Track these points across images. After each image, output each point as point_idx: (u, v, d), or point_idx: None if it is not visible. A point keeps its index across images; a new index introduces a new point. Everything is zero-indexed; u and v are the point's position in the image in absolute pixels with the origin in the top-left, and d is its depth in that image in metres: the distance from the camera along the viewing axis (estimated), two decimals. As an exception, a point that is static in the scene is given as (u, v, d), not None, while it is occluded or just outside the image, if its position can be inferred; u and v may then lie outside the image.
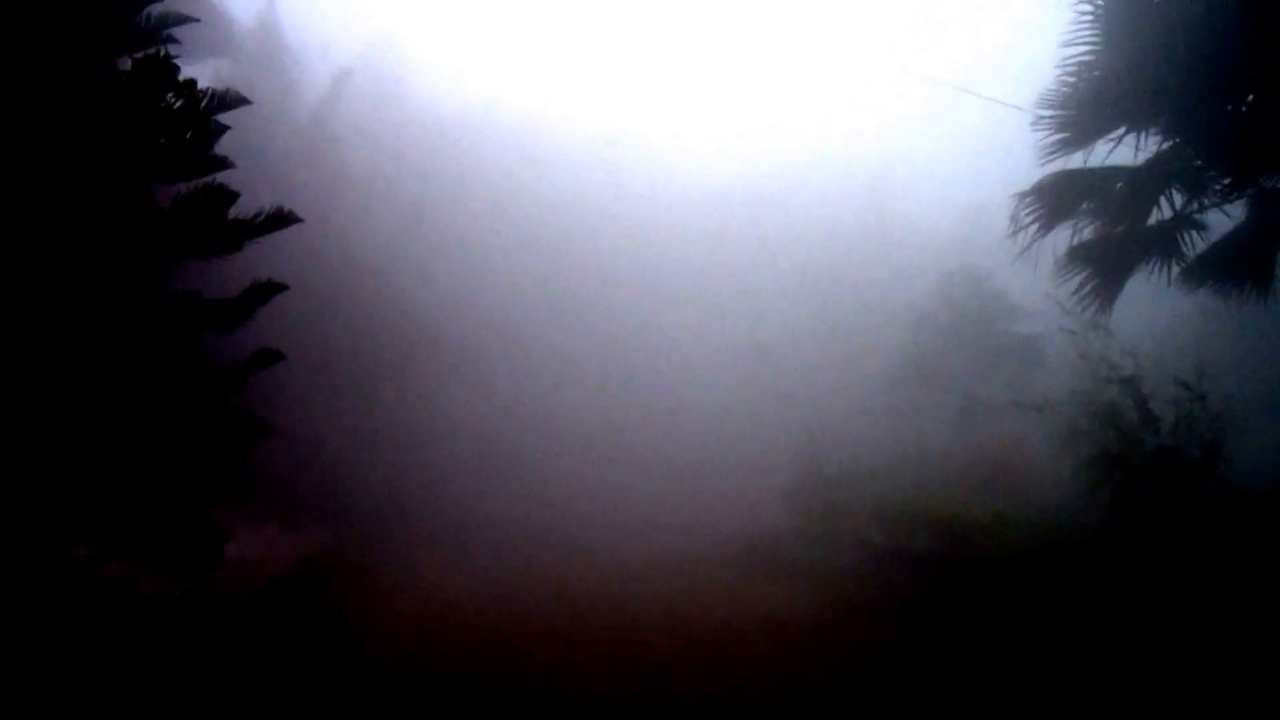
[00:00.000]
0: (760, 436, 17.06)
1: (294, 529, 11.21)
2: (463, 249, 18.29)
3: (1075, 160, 10.11)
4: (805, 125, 27.22)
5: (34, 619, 6.12)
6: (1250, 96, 9.25)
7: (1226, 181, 9.62)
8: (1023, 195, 10.29)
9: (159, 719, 5.54)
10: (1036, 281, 11.60)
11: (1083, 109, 9.73)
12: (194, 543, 6.92)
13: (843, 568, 10.28)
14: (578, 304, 19.52)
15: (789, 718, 5.87)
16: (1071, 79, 9.73)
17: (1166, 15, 9.09)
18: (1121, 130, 9.87)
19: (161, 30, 6.64)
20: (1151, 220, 10.05)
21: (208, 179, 6.93)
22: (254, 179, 8.44)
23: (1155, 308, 12.75)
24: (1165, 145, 9.80)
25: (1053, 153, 10.05)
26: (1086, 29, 9.58)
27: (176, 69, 6.44)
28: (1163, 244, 9.96)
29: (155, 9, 6.70)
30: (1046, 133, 9.98)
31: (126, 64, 6.35)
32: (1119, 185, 10.03)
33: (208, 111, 6.74)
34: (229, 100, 6.85)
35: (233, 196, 6.92)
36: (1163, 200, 9.93)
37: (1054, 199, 10.17)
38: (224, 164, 7.05)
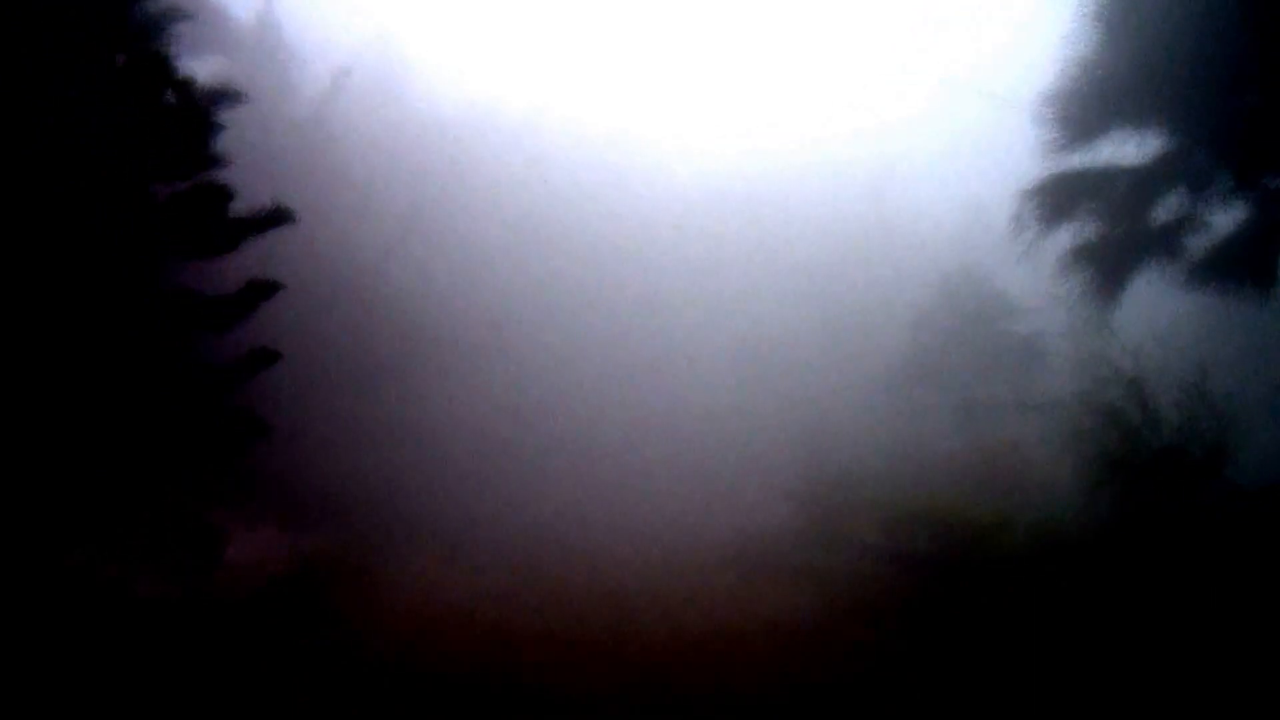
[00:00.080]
0: (761, 436, 17.04)
1: (293, 529, 11.16)
2: (462, 248, 18.25)
3: (1078, 159, 10.09)
4: (805, 125, 27.23)
5: (32, 621, 6.08)
6: (1253, 96, 9.21)
7: (1229, 181, 9.60)
8: (1025, 194, 10.26)
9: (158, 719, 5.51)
10: (1038, 281, 11.57)
11: (1085, 108, 9.70)
12: (192, 544, 6.88)
13: (844, 569, 10.25)
14: (577, 304, 19.48)
15: (790, 718, 5.84)
16: (1074, 78, 9.70)
17: (1169, 15, 9.06)
18: (1124, 129, 9.85)
19: (159, 27, 6.57)
20: (1154, 220, 10.03)
21: (205, 177, 6.86)
22: (252, 177, 8.38)
23: (1156, 308, 12.73)
24: (1168, 145, 9.78)
25: (1055, 152, 10.03)
26: (1088, 27, 9.57)
27: (173, 65, 6.38)
28: (1165, 243, 9.93)
29: (153, 5, 6.64)
30: (1048, 131, 9.95)
31: (124, 61, 6.29)
32: (1121, 184, 10.00)
33: (205, 108, 6.67)
34: (226, 97, 6.78)
35: (229, 194, 6.85)
36: (1165, 200, 9.92)
37: (1056, 198, 10.14)
38: (221, 161, 6.99)
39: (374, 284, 15.83)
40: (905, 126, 26.86)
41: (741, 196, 22.90)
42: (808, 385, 18.78)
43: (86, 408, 6.50)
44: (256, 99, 7.78)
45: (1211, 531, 8.50)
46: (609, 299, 19.87)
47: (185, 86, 6.51)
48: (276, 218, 7.25)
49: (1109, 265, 10.10)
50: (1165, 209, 9.98)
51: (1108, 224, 10.11)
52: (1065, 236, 10.35)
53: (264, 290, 7.25)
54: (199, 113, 6.70)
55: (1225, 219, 9.88)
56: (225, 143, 7.21)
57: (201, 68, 8.23)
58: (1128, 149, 9.97)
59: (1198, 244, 9.92)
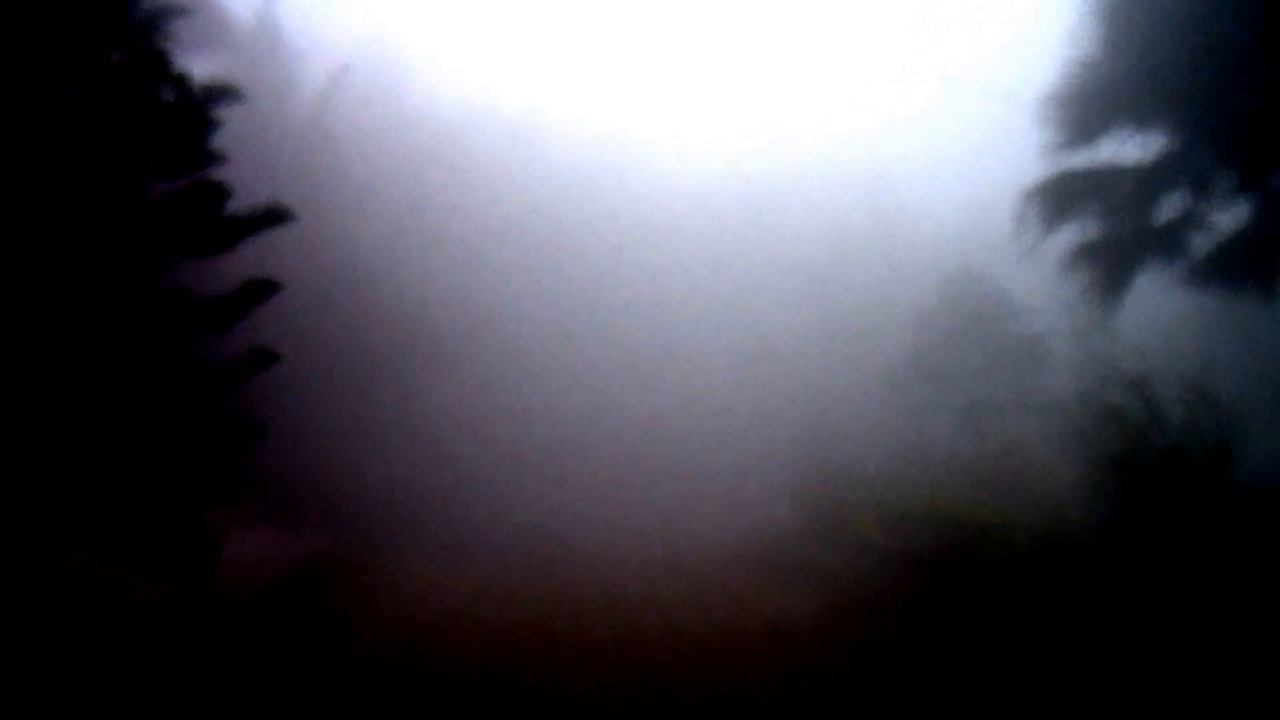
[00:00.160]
0: (761, 436, 17.02)
1: (292, 529, 11.14)
2: (461, 247, 18.22)
3: (1081, 159, 10.07)
4: (806, 124, 27.19)
5: (29, 623, 6.05)
6: (1257, 95, 9.18)
7: (1233, 181, 9.57)
8: (1028, 194, 10.24)
9: (154, 721, 5.50)
10: (1041, 281, 11.56)
11: (1087, 107, 9.68)
12: (190, 545, 6.85)
13: (844, 568, 10.22)
14: (577, 303, 19.46)
15: (790, 718, 5.82)
16: (1076, 76, 9.67)
17: (1172, 13, 9.03)
18: (1127, 128, 9.82)
19: (156, 24, 6.52)
20: (1157, 219, 10.00)
21: (202, 174, 6.81)
22: (251, 176, 8.35)
23: (1158, 308, 12.70)
24: (1171, 144, 9.75)
25: (1058, 151, 10.00)
26: (1091, 25, 9.54)
27: (169, 61, 6.32)
28: (1168, 243, 9.91)
29: (150, 2, 6.58)
30: (1052, 130, 9.92)
31: (120, 57, 6.24)
32: (1124, 184, 9.98)
33: (201, 105, 6.61)
34: (223, 94, 6.72)
35: (226, 192, 6.80)
36: (1169, 199, 9.89)
37: (1058, 197, 10.12)
38: (219, 159, 6.93)
39: (373, 283, 15.80)
40: (906, 126, 26.84)
41: (742, 196, 22.87)
42: (809, 385, 18.76)
43: (83, 407, 6.47)
44: (255, 97, 7.73)
45: (1214, 531, 8.48)
46: (609, 298, 19.85)
47: (182, 82, 6.45)
48: (274, 216, 7.19)
49: (1112, 265, 10.08)
50: (1168, 208, 9.96)
51: (1110, 223, 10.10)
52: (1068, 236, 10.33)
53: (262, 290, 7.20)
54: (196, 109, 6.64)
55: (1228, 218, 9.86)
56: (224, 141, 7.16)
57: (200, 66, 8.19)
58: (1130, 148, 9.96)
59: (1201, 243, 9.90)
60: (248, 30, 16.70)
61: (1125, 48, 9.38)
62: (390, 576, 9.64)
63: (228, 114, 7.14)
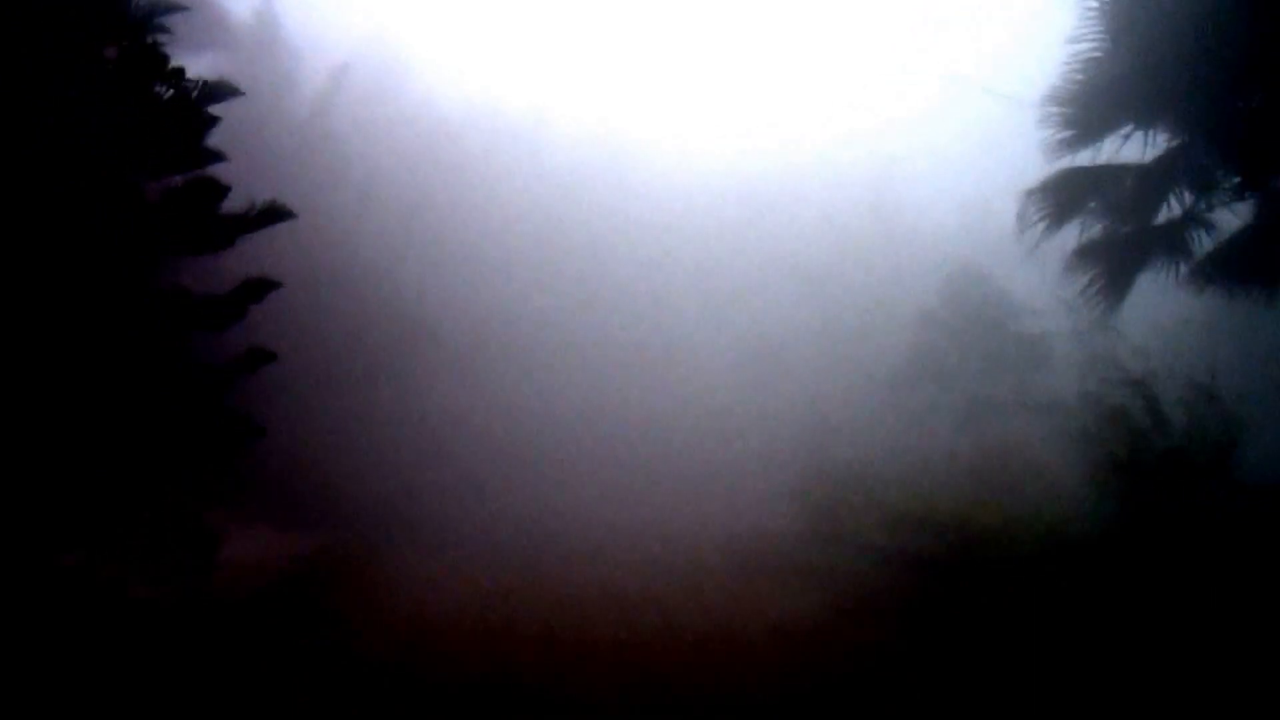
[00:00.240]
0: (763, 436, 16.99)
1: (292, 529, 11.12)
2: (461, 246, 18.20)
3: (1083, 157, 10.03)
4: (807, 124, 27.15)
5: (27, 625, 6.03)
6: (1261, 95, 9.14)
7: (1236, 180, 9.53)
8: (1030, 193, 10.19)
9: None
10: (1043, 280, 11.52)
11: (1090, 105, 9.64)
12: (189, 545, 6.82)
13: (846, 568, 10.19)
14: (578, 303, 19.44)
15: (791, 719, 5.79)
16: (1079, 75, 9.63)
17: (1175, 11, 8.99)
18: (1130, 127, 9.78)
19: (153, 19, 6.46)
20: (1160, 219, 9.96)
21: (199, 172, 6.76)
22: (250, 175, 8.31)
23: (1159, 308, 12.67)
24: (1174, 143, 9.71)
25: (1060, 150, 9.96)
26: (1094, 24, 9.49)
27: (165, 57, 6.25)
28: (1171, 243, 9.87)
29: None
30: (1053, 129, 9.88)
31: (115, 53, 6.18)
32: (1127, 183, 9.93)
33: (198, 102, 6.55)
34: (220, 91, 6.66)
35: (224, 190, 6.75)
36: (1171, 198, 9.85)
37: (1061, 196, 10.08)
38: (216, 156, 6.88)
39: (373, 282, 15.78)
40: (907, 124, 26.79)
41: (743, 195, 22.84)
42: (810, 385, 18.73)
43: (79, 407, 6.44)
44: (255, 95, 7.69)
45: (1217, 532, 8.45)
46: (609, 298, 19.82)
47: (178, 78, 6.39)
48: (273, 214, 7.14)
49: (1113, 264, 10.04)
50: (1171, 208, 9.91)
51: (1112, 223, 10.06)
52: (1069, 235, 10.30)
53: (260, 288, 7.16)
54: (192, 106, 6.58)
55: (1231, 218, 9.83)
56: (222, 140, 7.12)
57: (199, 64, 8.15)
58: (1133, 147, 9.92)
59: (1203, 243, 9.87)
60: (247, 28, 16.67)
61: (1127, 45, 9.33)
62: (390, 576, 9.62)
63: (227, 113, 7.09)
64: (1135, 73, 9.28)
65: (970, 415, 16.96)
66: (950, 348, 17.60)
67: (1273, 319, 10.34)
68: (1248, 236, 9.67)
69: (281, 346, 7.57)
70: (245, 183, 7.45)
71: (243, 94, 6.94)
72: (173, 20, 6.88)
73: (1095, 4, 9.35)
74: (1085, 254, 10.19)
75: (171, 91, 6.41)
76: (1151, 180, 9.82)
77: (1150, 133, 9.76)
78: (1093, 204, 10.11)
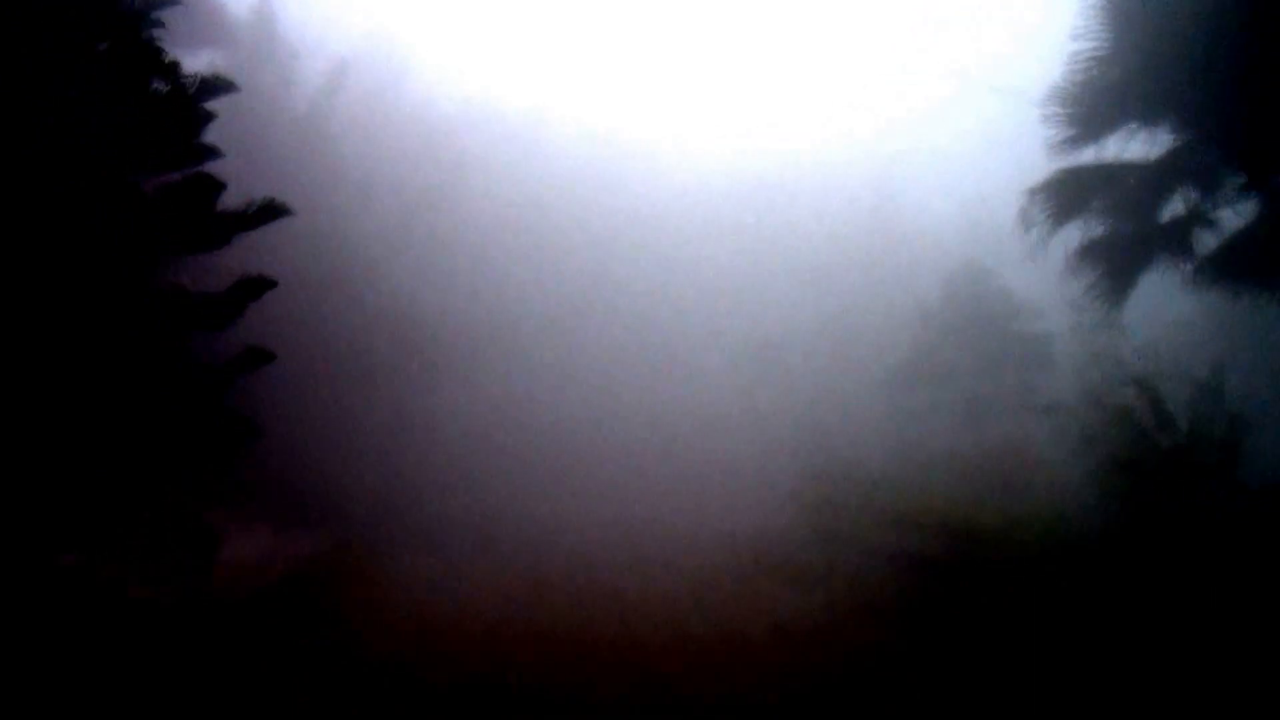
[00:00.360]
0: (764, 436, 16.95)
1: (292, 529, 11.09)
2: (460, 245, 18.14)
3: (1086, 156, 9.98)
4: (808, 124, 27.10)
5: (24, 627, 6.00)
6: (1264, 93, 9.08)
7: (1240, 179, 9.48)
8: (1032, 191, 10.14)
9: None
10: (1046, 279, 11.46)
11: (1093, 104, 9.58)
12: (187, 546, 6.78)
13: (847, 569, 10.16)
14: (578, 303, 19.39)
15: (792, 719, 5.77)
16: (1082, 73, 9.57)
17: (1179, 9, 8.93)
18: (1133, 126, 9.73)
19: (148, 14, 6.37)
20: (1163, 217, 9.91)
21: (195, 169, 6.68)
22: (248, 173, 8.26)
23: (1162, 307, 12.62)
24: (1178, 141, 9.66)
25: (1063, 148, 9.90)
26: (1097, 22, 9.44)
27: (160, 51, 6.16)
28: (1174, 241, 9.82)
29: None
30: (1056, 128, 9.83)
31: (108, 47, 6.08)
32: (1130, 181, 9.88)
33: (194, 97, 6.46)
34: (216, 85, 6.58)
35: (220, 186, 6.67)
36: (1175, 197, 9.80)
37: (1064, 195, 10.02)
38: (212, 153, 6.80)
39: (372, 281, 15.73)
40: (909, 123, 26.76)
41: (744, 194, 22.78)
42: (812, 384, 18.70)
43: (76, 406, 6.39)
44: (252, 93, 7.63)
45: (1219, 532, 8.42)
46: (609, 298, 19.78)
47: (173, 73, 6.29)
48: (270, 212, 7.07)
49: (1117, 263, 9.98)
50: (1174, 206, 9.87)
51: (1116, 221, 10.00)
52: (1073, 234, 10.24)
53: (257, 286, 7.09)
54: (188, 101, 6.50)
55: (1235, 216, 9.78)
56: (220, 138, 7.07)
57: (196, 61, 8.10)
58: (1136, 145, 9.87)
59: (1207, 242, 9.82)
60: (245, 26, 16.59)
61: (1132, 43, 9.27)
62: (390, 576, 9.59)
63: (224, 111, 7.03)
64: (1138, 71, 9.22)
65: (971, 415, 16.92)
66: (951, 347, 17.56)
67: (1277, 318, 10.30)
68: (1252, 235, 9.62)
69: (280, 346, 7.52)
70: (243, 181, 7.40)
71: (239, 89, 6.86)
72: (170, 18, 6.82)
73: (1098, 2, 9.29)
74: (1088, 253, 10.14)
75: (167, 86, 6.31)
76: (1155, 179, 9.77)
77: (1153, 131, 9.70)
78: (1095, 203, 10.06)
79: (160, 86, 6.29)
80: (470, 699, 5.94)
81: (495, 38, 34.18)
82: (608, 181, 20.95)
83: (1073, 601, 7.60)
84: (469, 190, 18.85)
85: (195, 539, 6.89)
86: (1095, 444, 10.08)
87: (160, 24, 6.45)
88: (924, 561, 10.01)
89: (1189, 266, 9.87)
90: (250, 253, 7.41)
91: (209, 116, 6.66)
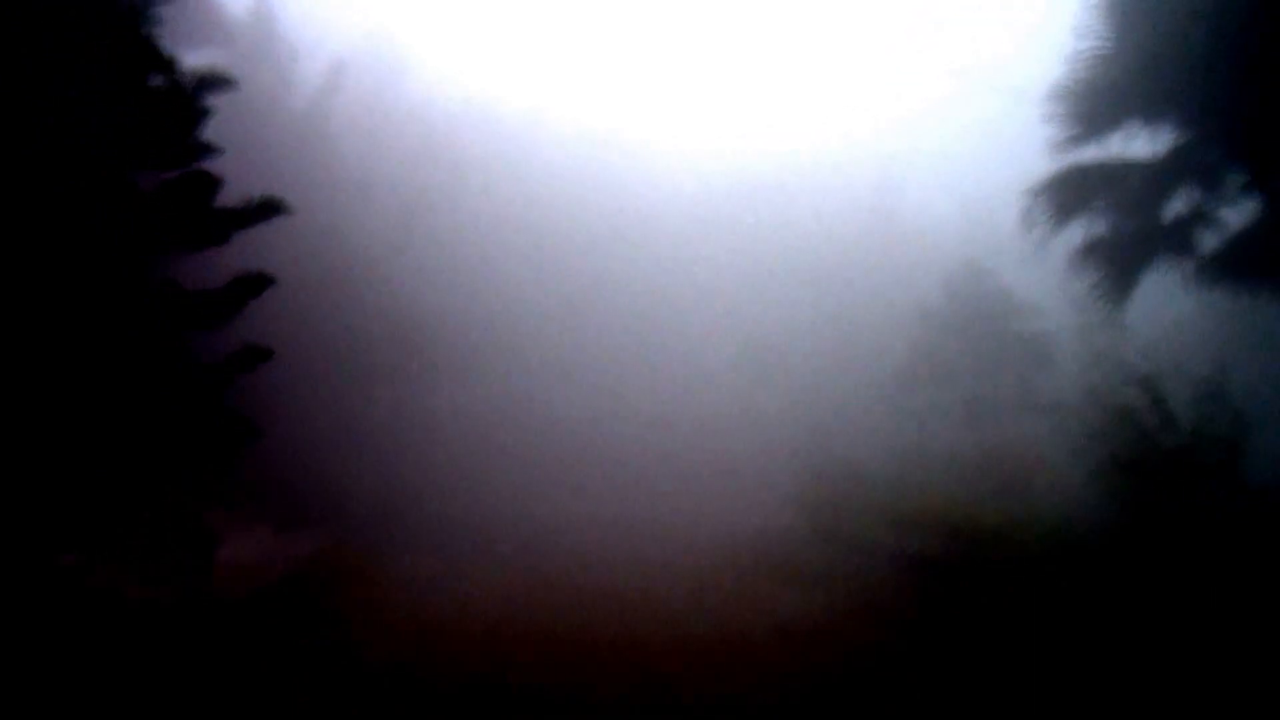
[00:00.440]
0: (765, 436, 16.94)
1: (290, 530, 11.08)
2: (460, 244, 18.14)
3: (1088, 154, 9.95)
4: (809, 123, 27.09)
5: (26, 625, 5.98)
6: (1266, 91, 9.06)
7: (1242, 178, 9.46)
8: (1034, 190, 10.12)
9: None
10: (1048, 278, 11.45)
11: (1095, 102, 9.56)
12: (187, 546, 6.76)
13: (848, 569, 10.15)
14: (579, 302, 19.39)
15: (793, 719, 5.77)
16: (1084, 71, 9.56)
17: (1181, 8, 8.91)
18: (1135, 123, 9.71)
19: (146, 12, 6.33)
20: (1166, 216, 9.89)
21: (193, 166, 6.63)
22: (246, 171, 8.23)
23: (1165, 306, 12.60)
24: (1180, 140, 9.64)
25: (1065, 147, 9.89)
26: (1098, 20, 9.43)
27: (157, 47, 6.11)
28: (1177, 240, 9.80)
29: None
30: (1058, 126, 9.81)
31: (106, 43, 6.03)
32: (1133, 180, 9.86)
33: (192, 93, 6.42)
34: (214, 82, 6.53)
35: (218, 183, 6.63)
36: (1177, 196, 9.78)
37: (1066, 194, 10.01)
38: (210, 150, 6.76)
39: (370, 278, 15.71)
40: (910, 122, 26.73)
41: (744, 194, 22.77)
42: (813, 384, 18.70)
43: (75, 406, 6.36)
44: (251, 92, 7.60)
45: (1221, 532, 8.39)
46: (610, 298, 19.78)
47: (171, 69, 6.25)
48: (268, 210, 7.03)
49: (1119, 262, 9.97)
50: (1177, 205, 9.85)
51: (1118, 220, 9.98)
52: (1075, 232, 10.22)
53: (256, 284, 7.05)
54: (186, 97, 6.46)
55: (1237, 215, 9.76)
56: (219, 136, 7.03)
57: (195, 60, 8.07)
58: (1139, 144, 9.85)
59: (1210, 241, 9.80)
60: (243, 26, 16.58)
61: (1134, 42, 9.26)
62: (390, 576, 9.59)
63: (223, 110, 7.01)
64: (1140, 69, 9.20)
65: (972, 415, 16.89)
66: (952, 347, 17.52)
67: (1273, 316, 10.27)
68: (1255, 234, 9.60)
69: (278, 345, 7.49)
70: (242, 181, 7.38)
71: (237, 86, 6.81)
72: (169, 16, 6.79)
73: (1100, 0, 9.27)
74: (1090, 252, 10.12)
75: (165, 81, 6.26)
76: (1157, 177, 9.75)
77: (1155, 130, 9.68)
78: (1098, 201, 10.04)
79: (158, 82, 6.25)
80: (470, 699, 5.92)
81: (494, 38, 34.20)
82: (607, 181, 20.94)
83: (1074, 602, 7.58)
84: (467, 190, 18.85)
85: (195, 539, 6.87)
86: (1096, 444, 10.04)
87: (158, 22, 6.42)
88: (924, 561, 9.98)
89: (1191, 265, 9.85)
90: (249, 252, 7.39)
91: (207, 112, 6.62)
